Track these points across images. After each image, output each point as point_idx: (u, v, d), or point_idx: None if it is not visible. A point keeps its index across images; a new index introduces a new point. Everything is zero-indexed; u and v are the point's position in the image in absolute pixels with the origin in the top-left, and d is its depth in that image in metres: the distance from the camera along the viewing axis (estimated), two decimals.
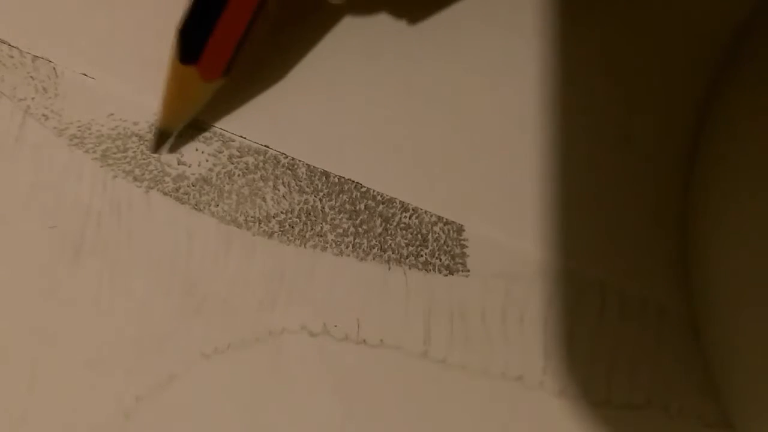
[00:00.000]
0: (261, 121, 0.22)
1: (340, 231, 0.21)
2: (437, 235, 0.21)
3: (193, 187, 0.21)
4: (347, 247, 0.21)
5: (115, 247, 0.21)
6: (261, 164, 0.21)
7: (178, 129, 0.21)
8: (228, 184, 0.21)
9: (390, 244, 0.21)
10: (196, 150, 0.21)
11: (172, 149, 0.21)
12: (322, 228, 0.21)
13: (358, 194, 0.21)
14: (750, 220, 0.19)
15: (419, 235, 0.21)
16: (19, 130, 0.21)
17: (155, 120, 0.21)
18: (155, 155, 0.21)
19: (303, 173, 0.21)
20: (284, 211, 0.21)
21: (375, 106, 0.22)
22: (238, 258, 0.21)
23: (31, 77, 0.21)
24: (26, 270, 0.21)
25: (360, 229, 0.21)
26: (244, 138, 0.21)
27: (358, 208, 0.21)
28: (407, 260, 0.21)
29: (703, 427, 0.21)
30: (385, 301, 0.21)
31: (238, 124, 0.21)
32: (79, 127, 0.21)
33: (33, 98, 0.21)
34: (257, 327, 0.21)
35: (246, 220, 0.21)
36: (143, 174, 0.21)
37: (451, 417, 0.21)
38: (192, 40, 0.19)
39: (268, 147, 0.22)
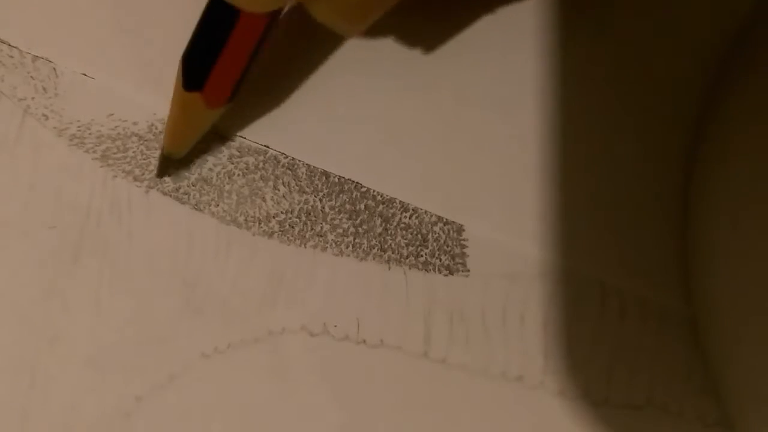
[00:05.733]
0: (261, 121, 0.22)
1: (340, 231, 0.21)
2: (437, 235, 0.21)
3: (193, 187, 0.21)
4: (347, 247, 0.21)
5: (115, 247, 0.21)
6: (261, 164, 0.21)
7: (182, 154, 0.21)
8: (228, 184, 0.21)
9: (390, 244, 0.21)
10: (196, 150, 0.21)
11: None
12: (322, 228, 0.21)
13: (358, 194, 0.21)
14: (750, 221, 0.19)
15: (419, 235, 0.21)
16: (19, 130, 0.21)
17: (160, 146, 0.21)
18: (155, 156, 0.21)
19: (303, 173, 0.21)
20: (284, 211, 0.21)
21: (375, 106, 0.22)
22: (238, 258, 0.21)
23: (31, 77, 0.21)
24: (26, 270, 0.21)
25: (360, 229, 0.21)
26: (244, 138, 0.21)
27: (358, 208, 0.21)
28: (407, 260, 0.21)
29: (703, 427, 0.21)
30: (385, 301, 0.21)
31: (238, 124, 0.21)
32: (79, 127, 0.21)
33: (33, 98, 0.21)
34: (257, 327, 0.21)
35: (246, 220, 0.21)
36: (143, 174, 0.21)
37: (451, 417, 0.21)
38: (196, 68, 0.19)
39: (268, 147, 0.22)
